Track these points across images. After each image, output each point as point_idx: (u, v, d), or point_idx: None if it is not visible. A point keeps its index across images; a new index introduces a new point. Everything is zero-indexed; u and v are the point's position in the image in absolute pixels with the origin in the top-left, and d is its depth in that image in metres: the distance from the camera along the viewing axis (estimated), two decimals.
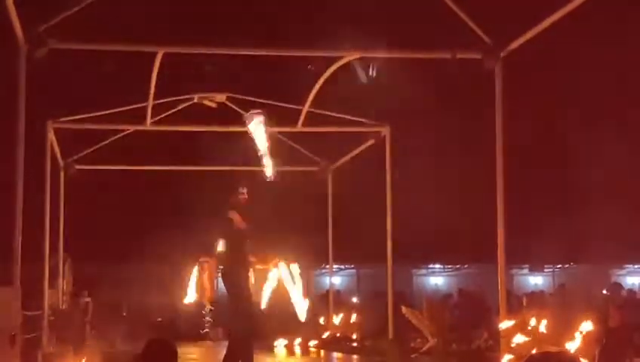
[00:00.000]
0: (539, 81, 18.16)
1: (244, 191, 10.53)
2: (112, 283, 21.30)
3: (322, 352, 15.63)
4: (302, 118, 15.57)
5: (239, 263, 10.38)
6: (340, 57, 12.92)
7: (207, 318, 19.53)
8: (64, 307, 17.42)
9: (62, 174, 17.39)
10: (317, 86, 14.25)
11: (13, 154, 10.46)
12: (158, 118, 15.50)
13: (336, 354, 15.05)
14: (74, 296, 18.80)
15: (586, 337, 10.87)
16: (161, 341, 5.58)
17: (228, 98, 15.41)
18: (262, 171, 10.75)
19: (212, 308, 19.45)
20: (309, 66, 13.76)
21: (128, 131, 16.34)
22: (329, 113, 15.57)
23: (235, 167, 18.73)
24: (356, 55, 12.68)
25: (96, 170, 18.36)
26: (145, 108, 14.96)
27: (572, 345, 10.29)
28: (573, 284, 21.75)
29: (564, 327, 11.55)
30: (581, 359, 2.62)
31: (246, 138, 11.06)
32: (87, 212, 19.62)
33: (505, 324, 11.73)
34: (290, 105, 15.53)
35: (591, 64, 17.29)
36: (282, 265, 11.17)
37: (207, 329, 19.54)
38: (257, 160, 10.78)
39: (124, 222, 22.01)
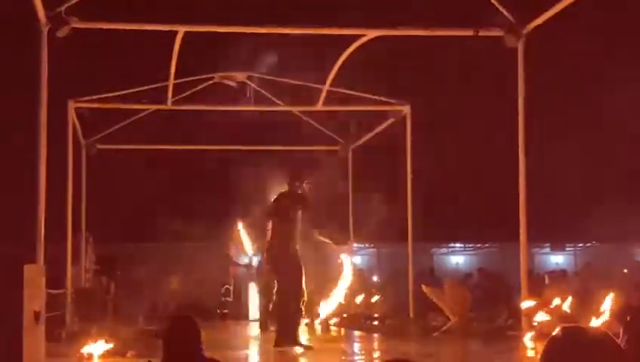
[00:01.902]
0: (562, 58, 18.03)
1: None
2: (134, 262, 21.40)
3: (343, 330, 15.67)
4: (322, 96, 15.54)
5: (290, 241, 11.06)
6: (361, 35, 12.86)
7: (226, 298, 19.58)
8: (87, 285, 17.53)
9: (83, 154, 17.45)
10: (337, 65, 14.21)
11: (36, 134, 10.51)
12: (179, 97, 15.54)
13: (357, 333, 15.09)
14: (96, 274, 18.90)
15: (609, 315, 10.85)
16: (185, 318, 5.59)
17: (248, 77, 15.41)
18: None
19: (229, 287, 19.51)
20: None
21: (149, 110, 16.38)
22: (349, 92, 15.53)
23: (255, 147, 18.80)
24: (377, 33, 12.62)
25: (117, 150, 18.43)
26: (166, 88, 14.99)
27: (595, 323, 10.28)
28: (595, 263, 21.65)
29: (586, 306, 11.54)
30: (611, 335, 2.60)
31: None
32: (109, 191, 19.71)
33: (527, 303, 11.72)
34: (311, 84, 15.51)
35: (613, 43, 17.14)
36: None
37: (226, 310, 19.58)
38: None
39: (145, 200, 22.09)
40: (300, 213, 11.22)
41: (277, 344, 11.16)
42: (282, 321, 11.28)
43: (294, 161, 11.84)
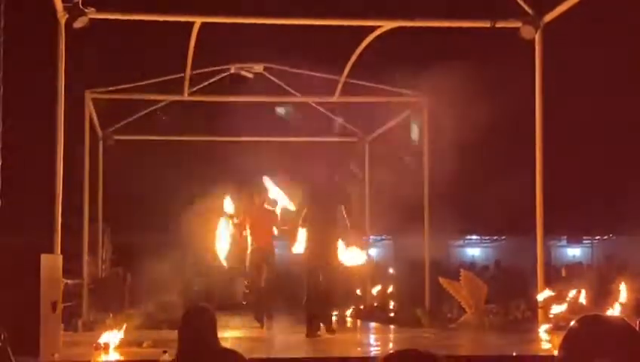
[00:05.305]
0: (580, 51, 17.92)
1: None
2: (150, 253, 21.46)
3: (359, 322, 15.68)
4: (339, 88, 15.52)
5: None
6: (378, 27, 12.82)
7: (245, 290, 19.58)
8: (103, 276, 17.61)
9: (100, 144, 17.49)
10: (354, 56, 14.18)
11: (53, 124, 10.55)
12: (196, 88, 15.55)
13: (372, 324, 15.09)
14: (113, 265, 18.98)
15: (625, 307, 10.83)
16: (200, 307, 5.62)
17: (265, 68, 15.41)
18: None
19: (247, 284, 19.51)
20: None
21: (166, 102, 16.41)
22: (366, 83, 15.49)
23: (271, 138, 18.79)
24: (394, 24, 12.58)
25: (134, 141, 18.47)
26: (182, 79, 15.01)
27: (610, 313, 10.24)
28: (615, 256, 21.59)
29: (602, 298, 11.50)
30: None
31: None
32: (125, 181, 19.75)
33: (543, 295, 11.69)
34: (328, 76, 15.48)
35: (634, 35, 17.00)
36: None
37: (244, 301, 19.60)
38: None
39: (162, 191, 22.13)
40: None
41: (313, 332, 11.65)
42: (324, 310, 11.91)
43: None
